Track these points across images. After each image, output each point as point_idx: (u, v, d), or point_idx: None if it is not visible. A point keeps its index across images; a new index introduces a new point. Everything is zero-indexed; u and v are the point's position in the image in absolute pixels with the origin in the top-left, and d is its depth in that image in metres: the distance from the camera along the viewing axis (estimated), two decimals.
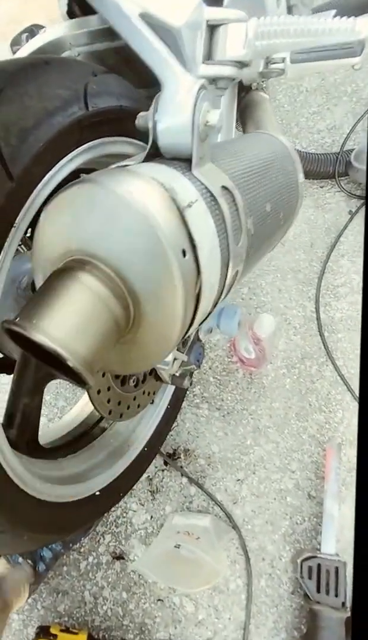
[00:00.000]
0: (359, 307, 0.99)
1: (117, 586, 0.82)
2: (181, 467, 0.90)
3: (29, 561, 0.76)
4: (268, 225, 0.47)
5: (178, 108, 0.35)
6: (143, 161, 0.38)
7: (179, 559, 0.75)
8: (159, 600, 0.81)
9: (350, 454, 0.85)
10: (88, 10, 0.53)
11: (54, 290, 0.29)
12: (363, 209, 1.08)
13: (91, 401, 0.56)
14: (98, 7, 0.38)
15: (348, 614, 0.69)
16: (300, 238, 1.09)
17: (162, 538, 0.82)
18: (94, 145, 0.51)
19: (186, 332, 0.36)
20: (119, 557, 0.85)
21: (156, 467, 0.91)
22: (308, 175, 1.13)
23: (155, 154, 0.38)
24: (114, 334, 0.30)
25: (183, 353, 0.63)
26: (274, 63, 0.63)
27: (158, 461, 0.91)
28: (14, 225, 0.38)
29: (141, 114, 0.38)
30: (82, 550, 0.85)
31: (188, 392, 0.97)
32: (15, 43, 0.70)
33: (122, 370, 0.39)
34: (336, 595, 0.69)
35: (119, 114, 0.52)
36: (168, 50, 0.38)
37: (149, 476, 0.90)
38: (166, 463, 0.91)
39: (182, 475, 0.89)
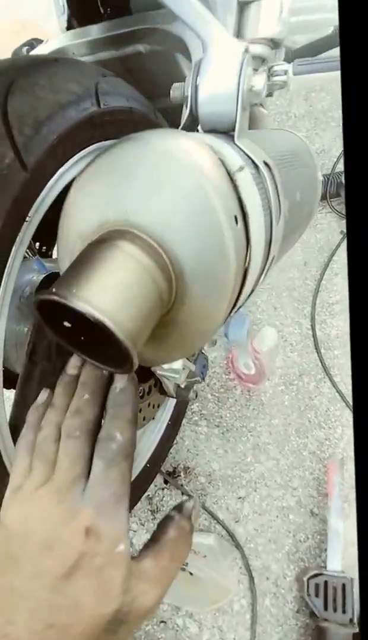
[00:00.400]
0: None
1: None
2: (182, 485, 0.90)
3: None
4: (297, 216, 0.46)
5: (223, 72, 0.33)
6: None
7: (186, 579, 0.75)
8: (162, 622, 0.80)
9: (351, 470, 0.87)
10: (86, 23, 0.53)
11: (92, 260, 0.26)
12: None
13: None
14: None
15: (356, 629, 0.70)
16: (293, 257, 1.13)
17: None
18: (104, 147, 0.51)
19: (229, 314, 0.33)
20: None
21: (156, 486, 0.91)
22: None
23: (191, 127, 0.36)
24: (158, 309, 0.27)
25: (192, 362, 0.62)
26: (276, 75, 0.66)
27: (158, 480, 0.90)
28: (27, 219, 0.36)
29: (176, 84, 0.36)
30: None
31: (186, 410, 0.98)
32: (16, 55, 0.71)
33: (158, 359, 0.34)
34: (344, 612, 0.70)
35: (130, 115, 0.51)
36: (211, 15, 0.36)
37: (149, 495, 0.90)
38: (166, 482, 0.91)
39: (183, 493, 0.89)
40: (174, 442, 0.94)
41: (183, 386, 0.64)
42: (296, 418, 0.94)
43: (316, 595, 0.72)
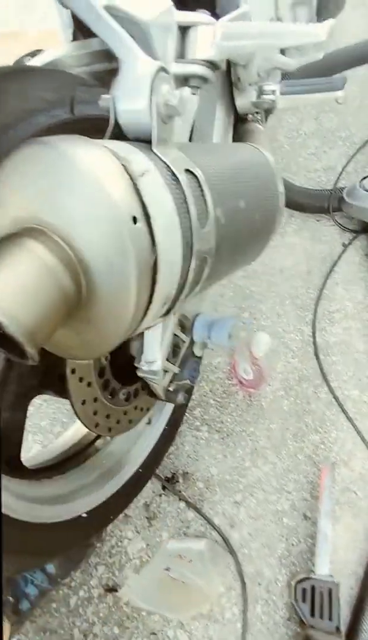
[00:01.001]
0: (352, 332, 1.04)
1: (108, 621, 0.80)
2: (180, 491, 0.91)
3: (10, 598, 0.73)
4: (242, 221, 0.48)
5: (136, 88, 0.36)
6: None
7: (168, 583, 0.75)
8: (152, 634, 0.79)
9: (344, 473, 0.87)
10: (90, 36, 0.57)
11: None
12: (355, 242, 1.16)
13: (75, 412, 0.53)
14: None
15: (342, 639, 0.69)
16: (297, 267, 1.16)
17: (153, 564, 0.81)
18: None
19: (145, 315, 0.35)
20: (112, 589, 0.83)
21: (153, 492, 0.92)
22: (305, 209, 1.22)
23: (117, 135, 0.38)
24: (62, 305, 0.29)
25: (173, 364, 0.63)
26: (265, 94, 0.67)
27: (155, 486, 0.92)
28: None
29: (104, 96, 0.38)
30: (73, 584, 0.84)
31: (187, 415, 1.01)
32: (17, 64, 0.80)
33: (83, 355, 0.37)
34: (330, 619, 0.69)
35: (106, 124, 0.53)
36: (127, 35, 0.38)
37: (146, 502, 0.91)
38: (164, 487, 0.92)
39: (180, 499, 0.90)
40: (174, 447, 0.96)
41: (171, 389, 0.65)
42: (294, 422, 0.95)
43: (304, 600, 0.72)
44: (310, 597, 0.71)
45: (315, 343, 1.03)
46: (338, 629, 0.68)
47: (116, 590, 0.83)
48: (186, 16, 0.46)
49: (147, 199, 0.33)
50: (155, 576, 0.77)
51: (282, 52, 0.86)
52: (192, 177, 0.39)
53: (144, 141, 0.37)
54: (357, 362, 1.00)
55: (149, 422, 0.84)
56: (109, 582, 0.85)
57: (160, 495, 0.92)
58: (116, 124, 0.38)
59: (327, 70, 1.23)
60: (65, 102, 0.46)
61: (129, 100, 0.37)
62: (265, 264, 1.18)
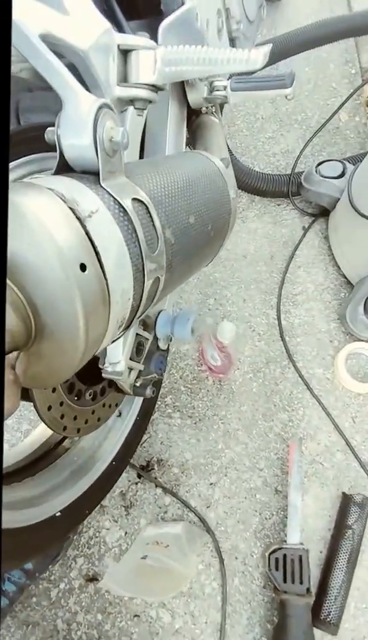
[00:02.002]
0: (314, 313, 1.08)
1: (91, 609, 0.83)
2: (156, 478, 0.94)
3: None
4: (193, 236, 0.50)
5: (79, 125, 0.36)
6: (54, 174, 0.39)
7: (146, 570, 0.77)
8: (135, 616, 0.83)
9: (311, 447, 0.92)
10: None
11: None
12: (314, 225, 1.20)
13: (42, 419, 0.54)
14: None
15: (313, 598, 0.74)
16: (260, 251, 1.19)
17: (131, 552, 0.83)
18: (32, 160, 0.53)
19: (103, 342, 0.37)
20: (93, 578, 0.86)
21: (129, 481, 0.94)
22: (266, 194, 1.25)
23: (65, 168, 0.39)
24: (10, 343, 0.30)
25: (139, 362, 0.65)
26: (217, 90, 0.67)
27: (131, 475, 0.94)
28: None
29: (49, 128, 0.39)
30: (52, 577, 0.86)
31: (159, 403, 1.03)
32: None
33: (34, 385, 0.38)
34: (301, 583, 0.74)
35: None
36: (68, 71, 0.38)
37: (122, 491, 0.93)
38: (139, 476, 0.94)
39: (156, 486, 0.93)
40: (148, 435, 0.98)
41: (138, 384, 0.67)
42: (263, 403, 0.99)
43: (277, 569, 0.77)
44: (282, 565, 0.76)
45: (280, 325, 1.07)
46: (308, 590, 0.74)
47: (97, 580, 0.85)
48: (126, 39, 0.46)
49: (96, 238, 0.34)
50: (133, 565, 0.79)
51: (232, 44, 0.86)
52: (140, 204, 0.40)
53: (92, 173, 0.38)
54: (320, 341, 1.05)
55: (119, 415, 0.85)
56: (90, 572, 0.87)
57: (136, 484, 0.94)
58: (63, 157, 0.38)
59: (282, 54, 1.24)
60: None
61: (74, 137, 0.37)
62: (229, 250, 1.20)
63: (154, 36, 0.60)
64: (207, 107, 0.78)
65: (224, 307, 1.13)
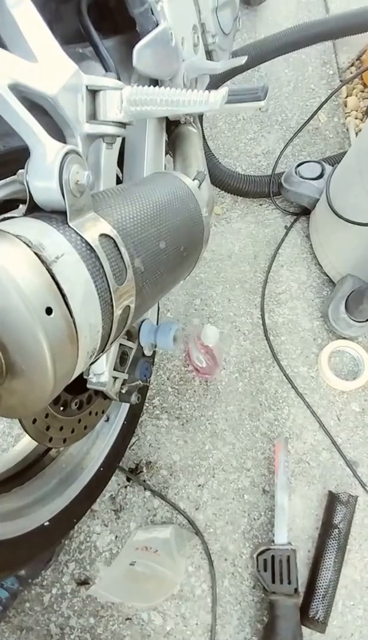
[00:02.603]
0: (298, 311, 1.09)
1: (83, 613, 0.83)
2: (144, 481, 0.93)
3: None
4: (165, 260, 0.52)
5: (46, 171, 0.39)
6: (24, 214, 0.41)
7: (135, 576, 0.77)
8: (127, 619, 0.82)
9: (297, 446, 0.92)
10: None
11: None
12: (296, 224, 1.21)
13: (27, 432, 0.54)
14: None
15: (301, 598, 0.75)
16: (244, 251, 1.20)
17: (120, 558, 0.83)
18: (10, 182, 0.53)
19: (74, 372, 0.39)
20: (84, 582, 0.85)
21: (118, 485, 0.94)
22: (248, 194, 1.25)
23: (35, 208, 0.41)
24: None
25: (123, 371, 0.66)
26: None
27: (120, 478, 0.94)
28: None
29: (20, 171, 0.41)
30: (44, 583, 0.85)
31: (147, 404, 1.03)
32: None
33: (10, 416, 0.40)
34: (289, 583, 0.74)
35: None
36: (34, 120, 0.40)
37: (112, 495, 0.93)
38: (128, 479, 0.94)
39: (145, 489, 0.92)
40: (136, 438, 0.98)
41: (124, 391, 0.68)
42: (249, 403, 0.99)
43: (265, 569, 0.77)
44: (270, 566, 0.76)
45: (264, 324, 1.07)
46: (296, 590, 0.74)
47: (88, 583, 0.85)
48: (94, 80, 0.48)
49: (62, 281, 0.35)
50: (121, 571, 0.78)
51: (209, 56, 0.88)
52: (107, 239, 0.42)
53: (60, 212, 0.40)
54: (304, 340, 1.05)
55: (107, 420, 0.84)
56: (81, 576, 0.86)
57: (125, 487, 0.94)
58: (33, 199, 0.41)
59: (261, 58, 1.25)
60: None
61: (41, 182, 0.39)
62: (214, 251, 1.20)
63: (127, 53, 0.61)
64: (186, 118, 0.79)
65: (210, 307, 1.13)
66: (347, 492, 0.83)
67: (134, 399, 0.69)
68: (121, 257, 0.43)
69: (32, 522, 0.65)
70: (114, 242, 0.42)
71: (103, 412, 0.71)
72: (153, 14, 0.61)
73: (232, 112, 1.22)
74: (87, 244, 0.39)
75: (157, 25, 0.62)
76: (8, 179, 0.52)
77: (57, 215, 0.40)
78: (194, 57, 0.78)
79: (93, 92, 0.49)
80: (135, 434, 0.97)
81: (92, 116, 0.49)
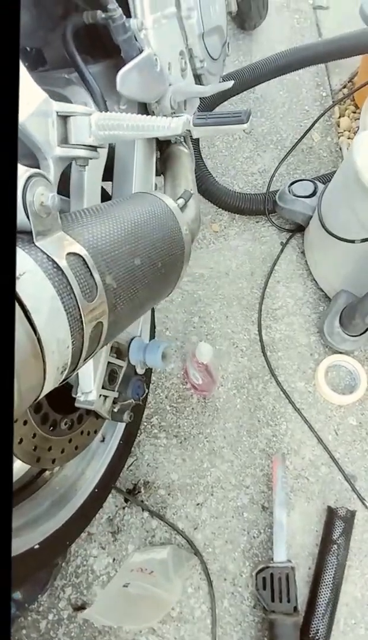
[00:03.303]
0: (294, 327, 1.12)
1: (80, 639, 0.83)
2: (142, 501, 0.94)
3: None
4: (140, 276, 0.53)
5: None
6: None
7: (128, 598, 0.77)
8: None
9: (296, 462, 0.94)
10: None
11: None
12: (291, 241, 1.25)
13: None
14: None
15: (301, 617, 0.75)
16: (241, 268, 1.23)
17: (115, 580, 0.83)
18: None
19: (44, 388, 0.40)
20: (81, 607, 0.85)
21: (116, 506, 0.94)
22: (244, 212, 1.30)
23: None
24: None
25: (113, 390, 0.66)
26: None
27: (118, 499, 0.94)
28: None
29: None
30: (41, 608, 0.85)
31: (145, 423, 1.04)
32: None
33: None
34: (288, 601, 0.74)
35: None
36: None
37: (109, 517, 0.93)
38: (126, 500, 0.94)
39: (143, 509, 0.93)
40: (134, 458, 0.99)
41: (116, 410, 0.69)
42: (247, 419, 1.01)
43: (264, 588, 0.77)
44: (269, 584, 0.76)
45: (261, 341, 1.09)
46: (296, 608, 0.74)
47: (85, 608, 0.85)
48: (63, 107, 0.51)
49: (25, 298, 0.36)
50: (114, 593, 0.78)
51: (198, 80, 0.92)
52: (76, 257, 0.43)
53: (27, 232, 0.41)
54: (301, 355, 1.07)
55: (103, 440, 0.85)
56: (78, 601, 0.86)
57: (123, 508, 0.94)
58: None
59: (256, 80, 1.31)
60: None
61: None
62: (212, 268, 1.24)
63: (112, 79, 0.65)
64: (176, 138, 0.82)
65: (208, 324, 1.15)
66: (345, 507, 0.84)
67: (126, 417, 0.70)
68: (91, 274, 0.44)
69: (22, 544, 0.64)
70: (84, 260, 0.44)
71: (96, 431, 0.72)
72: (136, 40, 0.64)
73: (217, 134, 1.27)
74: (54, 262, 0.41)
75: (141, 51, 0.65)
76: None
77: (23, 235, 0.41)
78: (182, 81, 0.81)
79: (64, 118, 0.52)
80: (133, 454, 0.99)
81: (64, 140, 0.52)
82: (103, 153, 0.60)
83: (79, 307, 0.42)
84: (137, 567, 0.82)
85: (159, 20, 0.69)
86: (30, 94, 0.48)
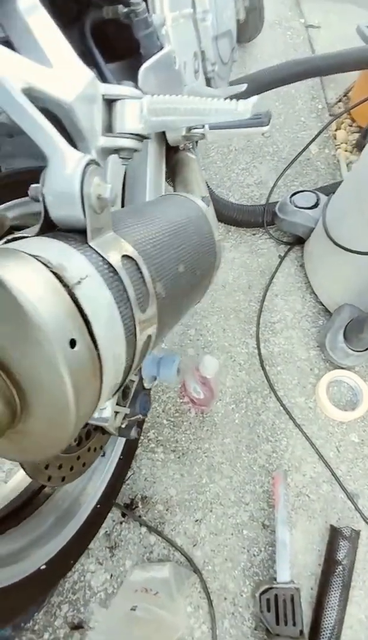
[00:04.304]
0: (293, 341, 1.13)
1: None
2: (140, 516, 0.94)
3: None
4: (183, 285, 0.49)
5: (65, 184, 0.36)
6: (38, 233, 0.38)
7: (135, 622, 0.76)
8: None
9: (296, 479, 0.94)
10: None
11: None
12: (290, 254, 1.27)
13: (25, 471, 0.52)
14: None
15: None
16: (238, 281, 1.24)
17: (119, 600, 0.82)
18: (17, 204, 0.54)
19: (95, 409, 0.37)
20: (78, 626, 0.84)
21: (113, 521, 0.94)
22: (241, 224, 1.31)
23: (50, 226, 0.38)
24: None
25: (124, 406, 0.65)
26: (195, 128, 0.72)
27: (115, 514, 0.94)
28: None
29: (33, 185, 0.38)
30: (36, 627, 0.83)
31: (142, 437, 1.04)
32: None
33: (22, 459, 0.38)
34: (294, 624, 0.75)
35: (38, 174, 0.56)
36: (52, 126, 0.38)
37: (107, 531, 0.92)
38: (124, 515, 0.94)
39: (141, 525, 0.93)
40: (131, 472, 0.98)
41: (124, 426, 0.67)
42: (246, 434, 1.01)
43: (268, 610, 0.77)
44: (274, 606, 0.76)
45: (260, 354, 1.11)
46: (301, 632, 0.74)
47: (82, 627, 0.84)
48: (111, 89, 0.47)
49: (86, 307, 0.32)
50: (121, 616, 0.78)
51: (208, 83, 0.94)
52: (129, 261, 0.40)
53: (78, 231, 0.37)
54: (301, 370, 1.09)
55: (103, 455, 0.85)
56: (75, 619, 0.85)
57: (120, 523, 0.94)
58: (48, 216, 0.38)
59: (256, 90, 1.34)
60: None
61: (59, 195, 0.37)
62: None
63: (132, 77, 0.65)
64: (185, 144, 0.83)
65: (205, 337, 1.16)
66: (350, 527, 0.85)
67: (133, 433, 0.69)
68: (143, 280, 0.40)
69: (29, 566, 0.64)
70: (136, 264, 0.40)
71: (101, 447, 0.71)
72: (157, 37, 0.63)
73: (233, 137, 1.28)
74: (110, 266, 0.36)
75: (161, 48, 0.64)
76: (7, 204, 0.52)
77: (75, 235, 0.37)
78: (195, 82, 0.82)
79: (109, 103, 0.47)
80: (130, 468, 0.98)
81: (108, 128, 0.48)
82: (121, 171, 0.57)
83: (134, 318, 0.38)
84: (140, 587, 0.81)
85: (177, 19, 0.69)
86: (77, 72, 0.43)
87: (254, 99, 0.55)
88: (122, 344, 0.37)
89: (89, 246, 0.37)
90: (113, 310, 0.36)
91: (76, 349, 0.31)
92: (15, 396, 0.30)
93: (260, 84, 1.34)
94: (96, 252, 0.36)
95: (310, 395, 1.05)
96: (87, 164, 0.37)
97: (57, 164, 0.37)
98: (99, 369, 0.34)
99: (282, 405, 1.03)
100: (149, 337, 0.42)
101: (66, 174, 0.37)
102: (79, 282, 0.32)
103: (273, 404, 1.04)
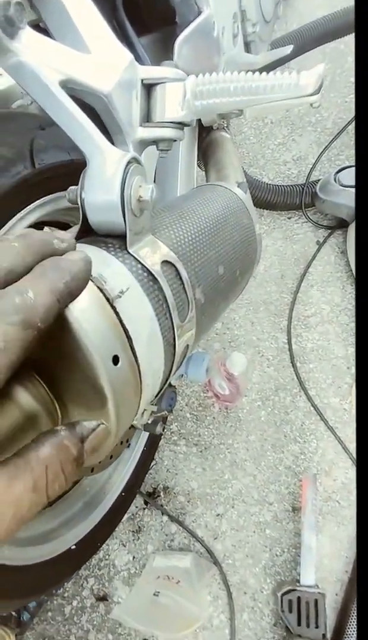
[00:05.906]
0: (329, 336, 1.12)
1: (102, 629, 0.91)
2: (162, 505, 0.99)
3: (13, 612, 0.85)
4: (222, 287, 0.48)
5: (106, 184, 0.35)
6: (75, 239, 0.38)
7: (159, 607, 0.83)
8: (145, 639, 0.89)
9: (326, 483, 0.96)
10: None
11: None
12: (330, 239, 1.22)
13: None
14: (13, 74, 0.34)
15: None
16: (270, 270, 1.21)
17: (142, 583, 0.90)
18: (47, 201, 0.54)
19: (132, 421, 0.37)
20: (103, 598, 0.94)
21: (136, 507, 1.00)
22: (276, 207, 1.26)
23: (88, 230, 0.38)
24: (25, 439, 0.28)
25: (153, 404, 0.66)
26: None
27: (138, 500, 1.00)
28: None
29: (71, 187, 0.38)
30: (66, 595, 0.94)
31: (165, 430, 1.06)
32: None
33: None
34: (316, 627, 0.79)
35: (70, 167, 0.52)
36: (92, 124, 0.37)
37: (130, 516, 0.99)
38: (146, 502, 1.00)
39: (163, 513, 0.98)
40: (154, 462, 1.03)
41: (150, 421, 0.68)
42: (272, 433, 1.03)
43: (290, 611, 0.81)
44: (296, 607, 0.80)
45: (291, 350, 1.10)
46: (324, 636, 0.78)
47: (107, 600, 0.93)
48: (151, 72, 0.43)
49: (127, 322, 0.32)
50: (145, 600, 0.85)
51: (247, 48, 0.86)
52: (169, 266, 0.39)
53: (116, 236, 0.37)
54: (336, 368, 1.08)
55: (128, 445, 0.90)
56: (100, 592, 0.94)
57: (143, 509, 1.00)
58: (86, 221, 0.37)
59: (298, 50, 1.23)
60: (24, 155, 0.46)
61: (100, 198, 0.36)
62: None
63: (164, 52, 0.60)
64: (219, 123, 0.78)
65: (232, 330, 1.15)
66: None
67: (159, 429, 0.71)
68: (184, 288, 0.39)
69: (61, 545, 0.71)
70: (176, 270, 0.39)
71: (128, 440, 0.75)
72: (194, 1, 0.58)
73: (276, 111, 1.19)
74: (151, 274, 0.36)
75: (199, 14, 0.58)
76: (39, 201, 0.52)
77: (113, 240, 0.36)
78: (234, 49, 0.75)
79: (148, 87, 0.44)
80: (153, 459, 1.02)
81: (146, 117, 0.45)
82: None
83: (173, 329, 0.37)
84: (163, 574, 0.88)
85: None
86: (116, 56, 0.41)
87: (319, 68, 0.49)
88: (161, 357, 0.37)
89: (129, 253, 0.36)
90: (154, 324, 0.35)
91: (118, 365, 0.31)
92: (57, 410, 0.31)
93: (306, 42, 1.22)
94: (135, 258, 0.36)
95: (345, 396, 1.05)
96: (129, 162, 0.35)
97: (97, 164, 0.36)
98: (139, 385, 0.34)
99: (313, 405, 1.03)
100: (187, 346, 0.42)
101: (106, 174, 0.36)
102: (120, 295, 0.32)
103: (303, 403, 1.04)
